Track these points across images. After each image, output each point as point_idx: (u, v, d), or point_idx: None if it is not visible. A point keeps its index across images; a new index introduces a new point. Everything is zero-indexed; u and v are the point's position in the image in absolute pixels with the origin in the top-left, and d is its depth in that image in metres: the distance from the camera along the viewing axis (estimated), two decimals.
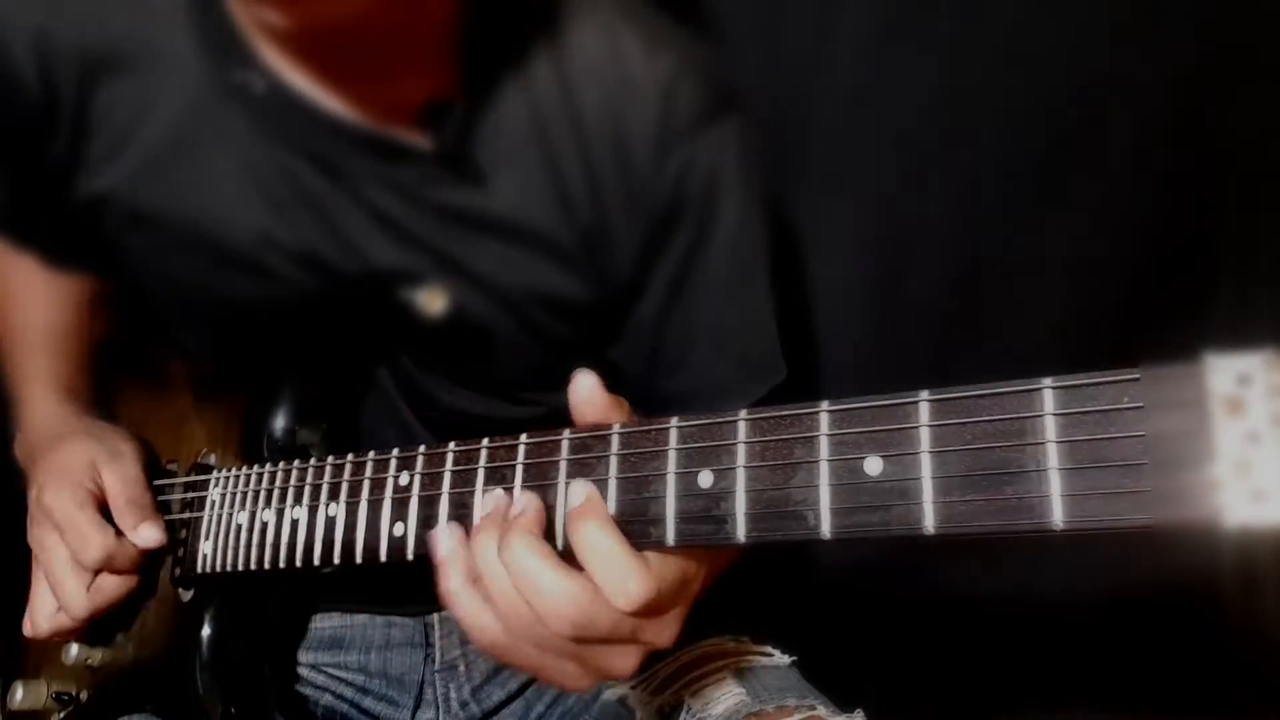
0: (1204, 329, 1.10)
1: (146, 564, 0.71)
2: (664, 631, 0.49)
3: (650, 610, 0.46)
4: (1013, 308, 1.09)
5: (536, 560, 0.45)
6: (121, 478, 0.70)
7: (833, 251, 1.07)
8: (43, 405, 0.78)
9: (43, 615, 0.71)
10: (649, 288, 0.71)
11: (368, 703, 0.81)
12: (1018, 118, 1.03)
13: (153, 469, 0.77)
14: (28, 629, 0.72)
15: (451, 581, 0.49)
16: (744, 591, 0.86)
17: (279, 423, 0.69)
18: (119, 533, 0.69)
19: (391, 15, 0.59)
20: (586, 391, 0.52)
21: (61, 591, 0.69)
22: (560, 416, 0.78)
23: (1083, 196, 1.06)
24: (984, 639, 1.09)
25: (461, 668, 0.82)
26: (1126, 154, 1.04)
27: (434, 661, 0.82)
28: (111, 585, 0.70)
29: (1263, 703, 1.04)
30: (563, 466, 0.50)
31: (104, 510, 0.70)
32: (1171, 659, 1.11)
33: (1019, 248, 1.07)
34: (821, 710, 0.70)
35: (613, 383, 0.80)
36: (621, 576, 0.45)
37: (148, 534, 0.69)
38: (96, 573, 0.69)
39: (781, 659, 0.78)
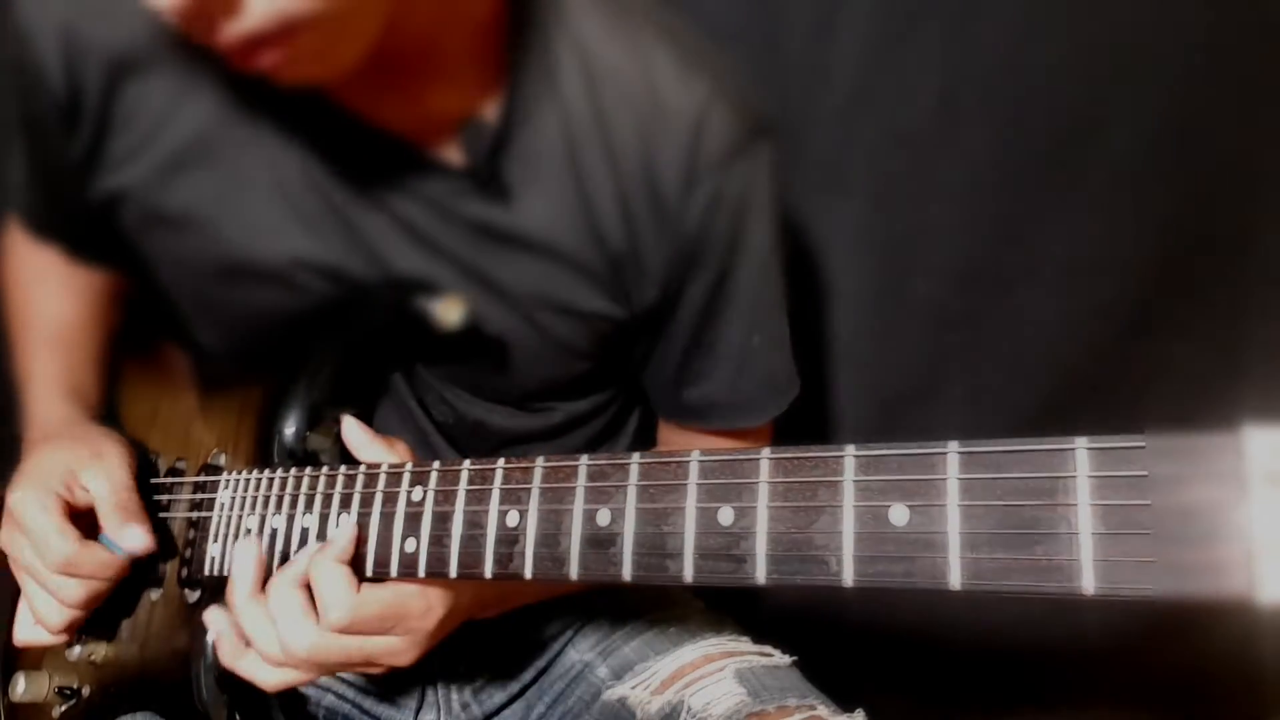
0: (1203, 330, 1.10)
1: (122, 570, 0.69)
2: (400, 656, 0.60)
3: (354, 630, 0.57)
4: (1014, 308, 1.09)
5: (288, 604, 0.57)
6: (108, 481, 0.69)
7: (833, 251, 1.07)
8: (46, 408, 0.78)
9: (25, 624, 0.70)
10: (676, 311, 0.71)
11: (369, 703, 0.81)
12: (1018, 118, 1.02)
13: (161, 467, 0.77)
14: (30, 636, 0.72)
15: (225, 656, 0.61)
16: (744, 592, 0.87)
17: (291, 427, 0.68)
18: (92, 537, 0.68)
19: (424, 30, 0.59)
20: (357, 439, 0.63)
21: (34, 602, 0.68)
22: (573, 423, 0.79)
23: (1083, 197, 1.06)
24: (985, 638, 1.10)
25: (463, 669, 0.82)
26: (1126, 154, 1.04)
27: (435, 662, 0.81)
28: (81, 592, 0.68)
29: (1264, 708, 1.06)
30: (580, 493, 0.50)
31: (82, 516, 0.69)
32: (1171, 659, 1.12)
33: (1020, 248, 1.07)
34: (822, 710, 0.70)
35: (634, 388, 0.81)
36: (331, 601, 0.56)
37: (133, 538, 0.68)
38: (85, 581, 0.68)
39: (782, 659, 0.78)
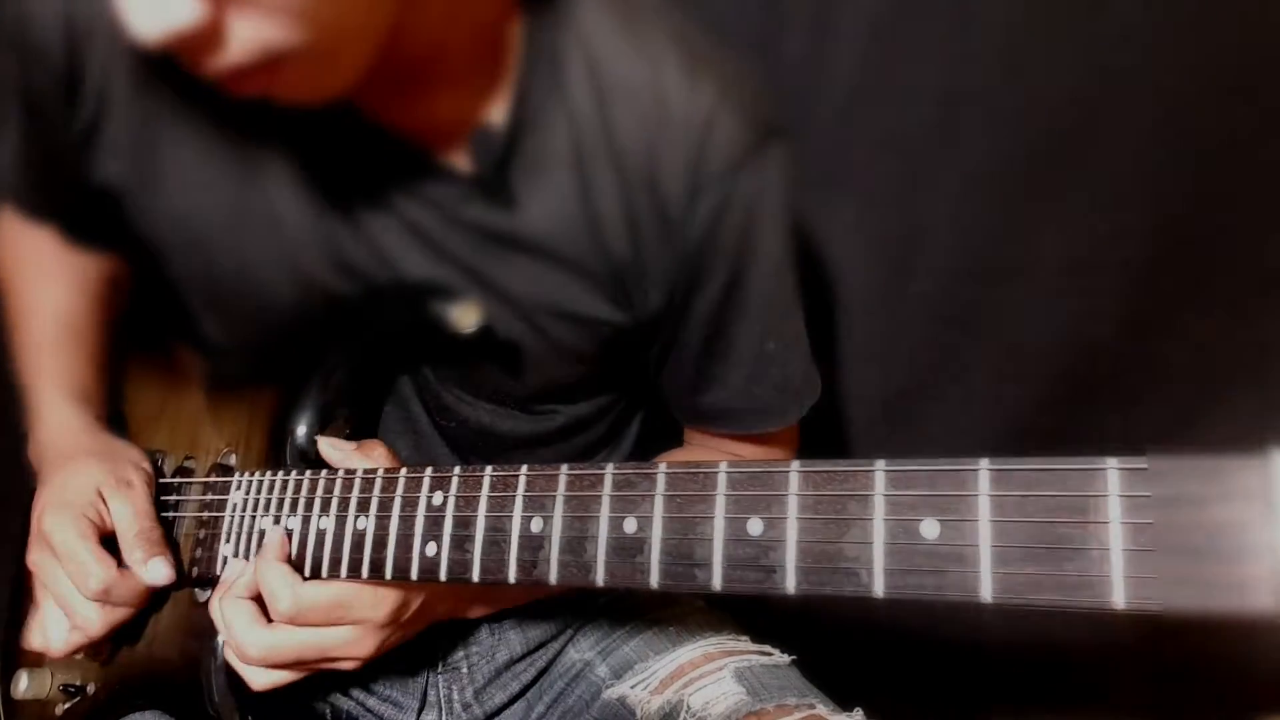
0: (1202, 330, 1.12)
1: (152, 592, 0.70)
2: (354, 647, 0.62)
3: (302, 620, 0.60)
4: (1013, 307, 1.09)
5: (238, 612, 0.61)
6: (131, 509, 0.69)
7: (833, 251, 1.07)
8: (55, 411, 0.76)
9: (57, 635, 0.70)
10: (688, 318, 0.71)
11: (371, 703, 0.81)
12: (1018, 118, 1.02)
13: (168, 465, 0.77)
14: (43, 647, 0.71)
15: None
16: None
17: (302, 428, 0.68)
18: (121, 564, 0.68)
19: (432, 37, 0.59)
20: (337, 457, 0.66)
21: (76, 617, 0.68)
22: (575, 427, 0.79)
23: (1082, 197, 1.07)
24: (984, 638, 1.11)
25: (464, 670, 0.82)
26: (1126, 154, 1.05)
27: (438, 663, 0.82)
28: (116, 611, 0.69)
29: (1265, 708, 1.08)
30: (605, 501, 0.50)
31: (108, 539, 0.69)
32: (1173, 659, 1.13)
33: (1019, 247, 1.08)
34: (821, 709, 0.71)
35: (637, 392, 0.81)
36: (277, 593, 0.60)
37: (156, 571, 0.68)
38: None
39: (781, 658, 0.78)
